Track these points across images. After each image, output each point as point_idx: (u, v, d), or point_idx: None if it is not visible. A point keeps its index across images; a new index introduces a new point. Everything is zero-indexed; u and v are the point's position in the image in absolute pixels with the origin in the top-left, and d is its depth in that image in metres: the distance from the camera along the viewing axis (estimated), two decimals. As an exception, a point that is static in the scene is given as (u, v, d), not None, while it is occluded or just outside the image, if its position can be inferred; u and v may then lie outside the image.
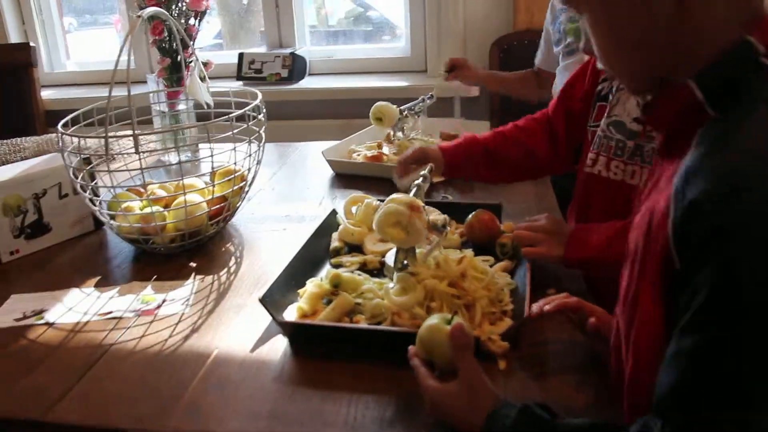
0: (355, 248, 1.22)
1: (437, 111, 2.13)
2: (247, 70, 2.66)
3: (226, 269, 1.22)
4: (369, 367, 0.88)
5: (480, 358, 0.76)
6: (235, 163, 1.26)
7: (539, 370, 0.87)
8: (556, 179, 1.53)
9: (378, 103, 1.74)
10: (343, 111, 2.69)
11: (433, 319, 0.79)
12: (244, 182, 1.33)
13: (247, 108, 1.27)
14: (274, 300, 0.98)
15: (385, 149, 1.72)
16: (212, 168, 1.24)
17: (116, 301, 1.10)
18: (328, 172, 1.72)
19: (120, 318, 1.05)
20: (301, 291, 1.04)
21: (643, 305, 0.63)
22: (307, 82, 2.71)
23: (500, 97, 2.47)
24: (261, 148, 1.33)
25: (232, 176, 1.27)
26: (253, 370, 0.90)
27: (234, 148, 1.24)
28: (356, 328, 0.92)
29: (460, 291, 0.95)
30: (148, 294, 1.13)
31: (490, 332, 0.90)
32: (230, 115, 1.20)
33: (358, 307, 0.98)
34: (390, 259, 1.12)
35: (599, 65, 0.72)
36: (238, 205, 1.36)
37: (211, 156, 1.20)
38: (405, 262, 1.01)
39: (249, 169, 1.32)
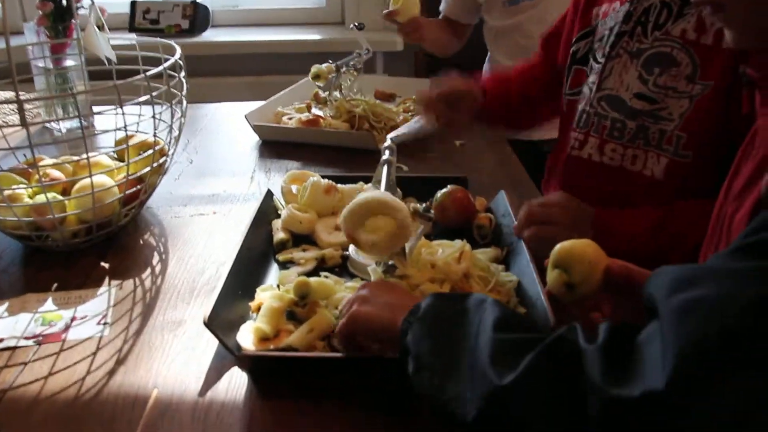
0: (303, 239, 0.99)
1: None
2: (141, 21, 2.30)
3: (149, 270, 0.95)
4: (366, 408, 0.68)
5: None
6: (155, 135, 0.98)
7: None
8: (519, 152, 1.36)
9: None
10: (251, 67, 2.40)
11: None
12: (164, 158, 1.05)
13: (166, 64, 0.99)
14: (221, 320, 0.75)
15: (318, 110, 1.48)
16: (127, 142, 0.96)
17: (5, 324, 0.82)
18: (253, 139, 1.46)
19: (13, 349, 0.78)
20: (253, 304, 0.81)
21: None
22: (211, 35, 2.38)
23: (424, 51, 2.27)
24: (183, 116, 1.06)
25: (151, 151, 0.99)
26: (211, 421, 0.67)
27: (154, 115, 0.97)
28: (348, 358, 0.70)
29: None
30: (50, 310, 0.85)
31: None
32: (148, 73, 0.92)
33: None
34: (353, 249, 0.91)
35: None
36: (156, 185, 1.09)
37: (125, 127, 0.92)
38: (390, 262, 0.80)
39: (170, 142, 1.05)
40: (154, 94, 0.94)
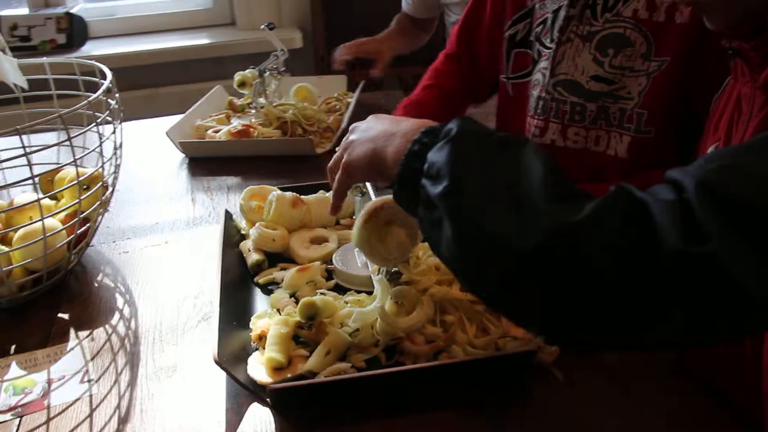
0: (277, 258, 0.95)
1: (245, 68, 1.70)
2: (9, 39, 2.08)
3: (117, 315, 0.88)
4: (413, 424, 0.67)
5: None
6: (102, 167, 0.90)
7: (607, 373, 0.72)
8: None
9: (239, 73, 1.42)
10: (143, 80, 2.25)
11: None
12: (109, 191, 0.97)
13: (100, 91, 0.90)
14: (229, 354, 0.71)
15: (241, 120, 1.42)
16: (78, 178, 0.87)
17: (-28, 401, 0.73)
18: (177, 157, 1.38)
19: (-7, 428, 0.69)
20: (253, 334, 0.77)
21: None
22: (92, 48, 2.21)
23: (325, 45, 2.24)
24: (120, 146, 0.98)
25: (100, 185, 0.91)
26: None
27: (101, 148, 0.88)
28: (379, 374, 0.68)
29: (475, 295, 0.76)
30: (18, 377, 0.76)
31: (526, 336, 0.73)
32: (90, 99, 0.84)
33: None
34: (340, 260, 0.89)
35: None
36: (98, 222, 1.00)
37: (75, 161, 0.83)
38: (395, 269, 0.79)
39: (112, 174, 0.97)
40: (98, 120, 0.86)
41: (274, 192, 0.99)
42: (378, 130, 0.65)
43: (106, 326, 0.85)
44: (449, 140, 0.53)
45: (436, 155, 0.53)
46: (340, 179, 0.70)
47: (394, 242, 0.73)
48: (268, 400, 0.68)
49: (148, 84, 2.26)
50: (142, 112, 1.82)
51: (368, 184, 0.85)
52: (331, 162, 0.74)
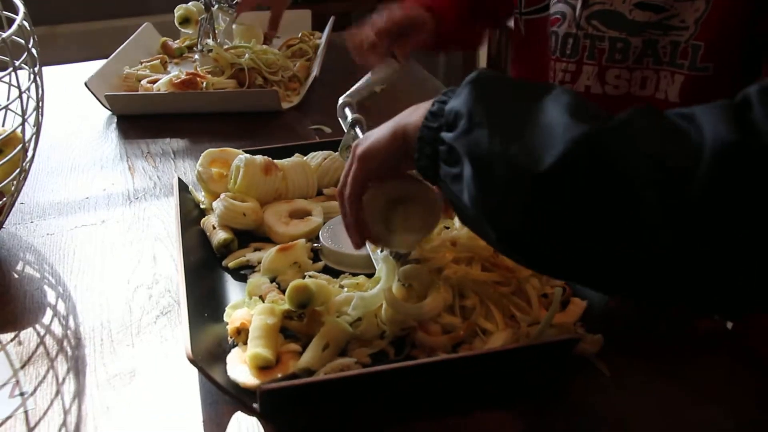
0: (249, 236, 0.96)
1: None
2: None
3: (49, 311, 0.88)
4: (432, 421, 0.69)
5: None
6: (22, 127, 0.90)
7: (660, 363, 0.76)
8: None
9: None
10: (43, 14, 2.21)
11: None
12: (29, 157, 0.97)
13: (10, 32, 0.89)
14: (204, 352, 0.72)
15: (174, 68, 1.42)
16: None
17: None
18: (102, 116, 1.37)
19: None
20: (230, 327, 0.78)
21: None
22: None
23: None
24: (41, 100, 0.97)
25: (17, 149, 0.90)
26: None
27: (20, 100, 0.88)
28: (394, 369, 0.69)
29: (501, 274, 0.79)
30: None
31: (565, 323, 0.76)
32: (3, 37, 0.83)
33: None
34: (329, 237, 0.91)
35: None
36: (14, 196, 1.00)
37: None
38: (403, 248, 0.81)
39: (33, 136, 0.96)
40: (15, 66, 0.85)
41: (241, 156, 1.00)
42: (393, 120, 0.69)
43: (36, 326, 0.85)
44: (466, 84, 0.59)
45: (454, 102, 0.59)
46: (355, 176, 0.71)
47: (415, 224, 0.76)
48: (255, 405, 0.70)
49: (48, 20, 2.22)
50: (51, 56, 1.79)
51: (360, 134, 0.86)
52: (339, 183, 0.74)
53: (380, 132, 0.69)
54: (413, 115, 0.66)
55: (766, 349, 0.74)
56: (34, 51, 0.91)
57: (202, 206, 1.01)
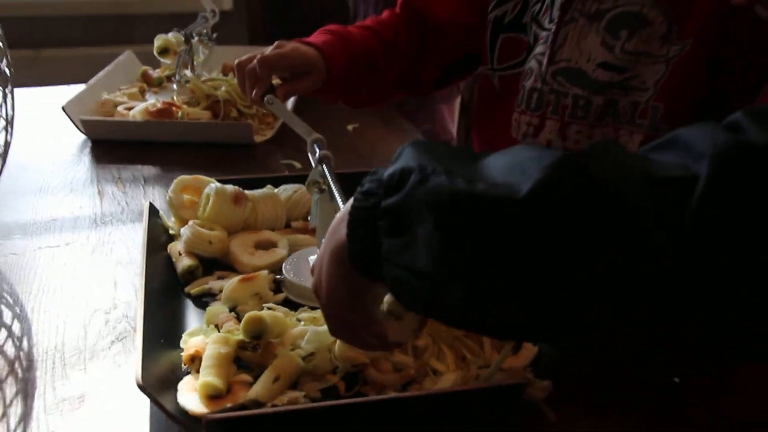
0: (214, 264, 0.97)
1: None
2: None
3: (4, 333, 0.87)
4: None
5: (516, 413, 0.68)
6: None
7: (613, 412, 0.76)
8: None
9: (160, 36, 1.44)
10: (26, 37, 2.23)
11: None
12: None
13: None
14: (155, 379, 0.72)
15: (151, 96, 1.44)
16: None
17: None
18: (77, 140, 1.38)
19: None
20: (184, 354, 0.79)
21: None
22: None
23: (262, 7, 2.27)
24: (11, 121, 0.98)
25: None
26: None
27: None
28: (342, 405, 0.69)
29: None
30: None
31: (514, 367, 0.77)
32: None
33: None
34: (292, 270, 0.92)
35: None
36: (-21, 214, 1.00)
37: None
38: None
39: (1, 157, 0.97)
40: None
41: (212, 184, 1.01)
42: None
43: (-11, 346, 0.85)
44: (405, 147, 0.55)
45: (397, 165, 0.53)
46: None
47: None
48: (202, 435, 0.70)
49: (31, 43, 2.23)
50: (23, 79, 1.80)
51: (326, 171, 0.87)
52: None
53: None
54: (339, 227, 0.59)
55: (742, 415, 0.74)
56: (6, 70, 0.91)
57: (171, 232, 1.01)
